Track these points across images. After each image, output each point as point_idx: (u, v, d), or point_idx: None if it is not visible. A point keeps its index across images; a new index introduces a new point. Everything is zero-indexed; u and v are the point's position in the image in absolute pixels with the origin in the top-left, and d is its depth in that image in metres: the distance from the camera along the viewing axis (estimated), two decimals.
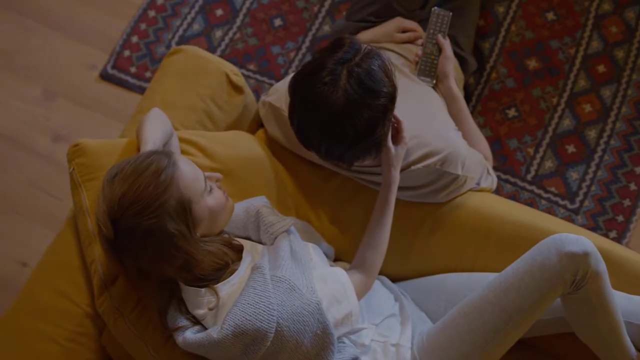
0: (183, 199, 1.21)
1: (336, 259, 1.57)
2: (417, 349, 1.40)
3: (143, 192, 1.18)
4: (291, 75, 1.66)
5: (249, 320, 1.18)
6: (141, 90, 2.18)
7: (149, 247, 1.20)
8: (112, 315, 1.38)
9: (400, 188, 1.48)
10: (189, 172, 1.24)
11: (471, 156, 1.57)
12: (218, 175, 1.34)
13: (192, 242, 1.22)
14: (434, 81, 1.70)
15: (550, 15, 2.10)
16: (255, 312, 1.18)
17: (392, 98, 1.32)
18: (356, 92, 1.27)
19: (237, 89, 1.64)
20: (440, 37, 1.70)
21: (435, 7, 1.72)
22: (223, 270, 1.27)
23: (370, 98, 1.28)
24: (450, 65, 1.71)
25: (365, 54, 1.30)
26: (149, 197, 1.18)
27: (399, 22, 1.76)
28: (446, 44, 1.71)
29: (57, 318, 1.44)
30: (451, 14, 1.71)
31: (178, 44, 2.21)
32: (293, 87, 1.34)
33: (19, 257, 2.08)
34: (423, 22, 1.80)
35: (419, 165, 1.48)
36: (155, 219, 1.18)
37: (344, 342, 1.34)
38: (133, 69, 2.21)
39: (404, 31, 1.76)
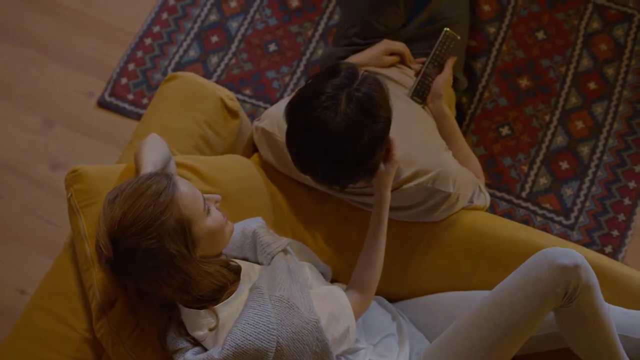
0: (183, 220, 1.22)
1: (333, 280, 1.58)
2: None
3: (143, 213, 1.19)
4: (284, 100, 1.68)
5: (249, 340, 1.18)
6: (138, 117, 2.20)
7: (149, 267, 1.21)
8: (110, 340, 1.38)
9: (394, 208, 1.49)
10: (188, 193, 1.26)
11: (462, 174, 1.58)
12: (217, 196, 1.35)
13: (192, 262, 1.23)
14: (423, 104, 1.72)
15: (541, 35, 2.13)
16: (255, 332, 1.19)
17: (389, 122, 1.34)
18: (356, 117, 1.28)
19: (233, 113, 1.66)
20: (450, 61, 1.74)
21: (447, 29, 1.74)
22: (221, 291, 1.27)
23: (370, 122, 1.30)
24: (445, 87, 1.73)
25: (363, 79, 1.31)
26: (149, 217, 1.19)
27: (386, 44, 1.79)
28: (448, 67, 1.74)
29: (56, 344, 1.44)
30: (459, 37, 1.73)
31: (174, 70, 2.24)
32: (291, 113, 1.35)
33: (17, 285, 2.08)
34: (409, 41, 1.82)
35: (411, 184, 1.49)
36: (155, 239, 1.19)
37: None
38: (130, 96, 2.23)
39: (392, 54, 1.79)
